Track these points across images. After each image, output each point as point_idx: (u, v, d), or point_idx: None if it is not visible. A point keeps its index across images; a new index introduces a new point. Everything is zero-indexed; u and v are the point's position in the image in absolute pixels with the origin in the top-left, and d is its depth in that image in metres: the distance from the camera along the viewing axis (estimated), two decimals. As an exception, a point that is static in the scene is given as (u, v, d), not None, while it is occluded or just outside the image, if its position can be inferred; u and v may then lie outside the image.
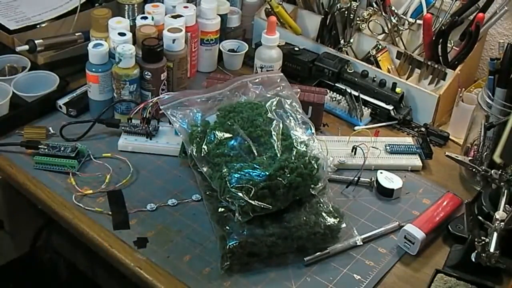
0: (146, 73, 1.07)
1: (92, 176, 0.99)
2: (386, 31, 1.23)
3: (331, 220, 0.88)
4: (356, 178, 1.01)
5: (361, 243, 0.90)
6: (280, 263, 0.87)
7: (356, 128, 1.13)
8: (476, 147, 1.02)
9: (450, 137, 1.13)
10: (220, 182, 0.87)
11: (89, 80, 1.08)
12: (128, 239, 0.89)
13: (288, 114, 0.97)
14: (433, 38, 1.16)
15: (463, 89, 1.12)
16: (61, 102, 1.12)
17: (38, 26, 1.27)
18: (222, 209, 0.87)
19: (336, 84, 1.19)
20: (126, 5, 1.21)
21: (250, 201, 0.84)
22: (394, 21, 1.22)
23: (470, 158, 1.03)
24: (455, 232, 0.92)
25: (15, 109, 1.08)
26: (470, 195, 0.97)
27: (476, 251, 0.83)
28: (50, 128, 1.07)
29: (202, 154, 0.91)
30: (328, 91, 1.16)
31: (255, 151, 0.89)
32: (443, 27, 1.15)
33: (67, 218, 0.92)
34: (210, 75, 1.16)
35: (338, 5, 1.21)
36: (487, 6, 1.17)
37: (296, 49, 1.24)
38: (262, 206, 0.85)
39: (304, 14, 1.32)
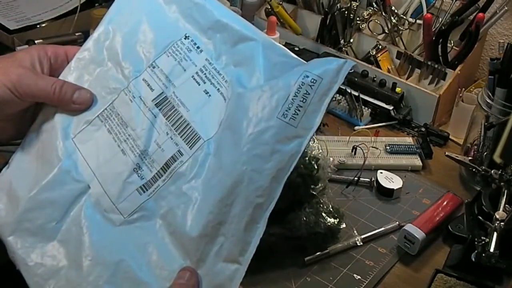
0: (146, 73, 1.07)
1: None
2: (386, 31, 1.23)
3: (331, 220, 0.88)
4: (356, 178, 1.01)
5: (361, 243, 0.90)
6: (280, 263, 0.87)
7: (356, 128, 1.13)
8: (476, 147, 1.02)
9: (450, 137, 1.13)
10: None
11: (89, 80, 1.07)
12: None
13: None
14: (433, 38, 1.16)
15: (463, 89, 1.12)
16: (61, 102, 1.12)
17: (38, 26, 1.27)
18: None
19: (336, 84, 1.19)
20: (126, 5, 1.21)
21: (250, 201, 0.84)
22: (394, 21, 1.22)
23: (470, 158, 1.03)
24: (455, 232, 0.92)
25: (15, 109, 1.08)
26: (470, 195, 0.97)
27: (476, 251, 0.83)
28: (50, 128, 1.07)
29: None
30: (328, 91, 1.16)
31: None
32: (443, 27, 1.15)
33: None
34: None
35: (338, 5, 1.21)
36: (487, 6, 1.17)
37: (296, 49, 1.24)
38: (262, 206, 0.85)
39: (304, 14, 1.32)
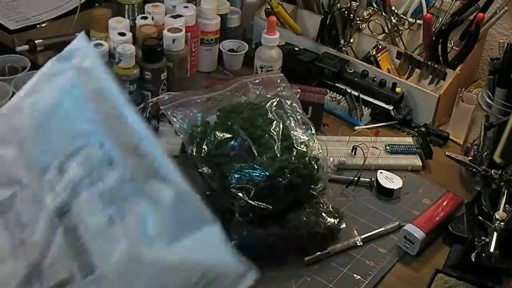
0: (146, 73, 1.07)
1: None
2: (386, 31, 1.23)
3: (331, 220, 0.89)
4: (356, 178, 1.01)
5: (361, 243, 0.91)
6: (280, 263, 0.87)
7: (356, 128, 1.13)
8: (476, 147, 1.02)
9: (450, 137, 1.13)
10: (220, 183, 0.87)
11: (89, 80, 1.07)
12: (128, 239, 0.89)
13: (288, 114, 0.97)
14: (433, 38, 1.16)
15: (463, 89, 1.12)
16: (61, 102, 1.12)
17: (38, 26, 1.27)
18: (222, 210, 0.87)
19: (336, 84, 1.19)
20: (126, 5, 1.21)
21: (250, 201, 0.84)
22: (394, 21, 1.22)
23: (470, 158, 1.03)
24: (455, 232, 0.92)
25: (15, 109, 1.08)
26: (470, 195, 0.97)
27: (476, 251, 0.83)
28: (50, 128, 1.06)
29: (202, 155, 0.91)
30: (328, 91, 1.16)
31: (255, 152, 0.89)
32: (443, 27, 1.15)
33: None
34: (211, 76, 1.16)
35: (338, 5, 1.21)
36: (487, 6, 1.17)
37: (296, 49, 1.24)
38: (262, 206, 0.85)
39: (304, 14, 1.32)
